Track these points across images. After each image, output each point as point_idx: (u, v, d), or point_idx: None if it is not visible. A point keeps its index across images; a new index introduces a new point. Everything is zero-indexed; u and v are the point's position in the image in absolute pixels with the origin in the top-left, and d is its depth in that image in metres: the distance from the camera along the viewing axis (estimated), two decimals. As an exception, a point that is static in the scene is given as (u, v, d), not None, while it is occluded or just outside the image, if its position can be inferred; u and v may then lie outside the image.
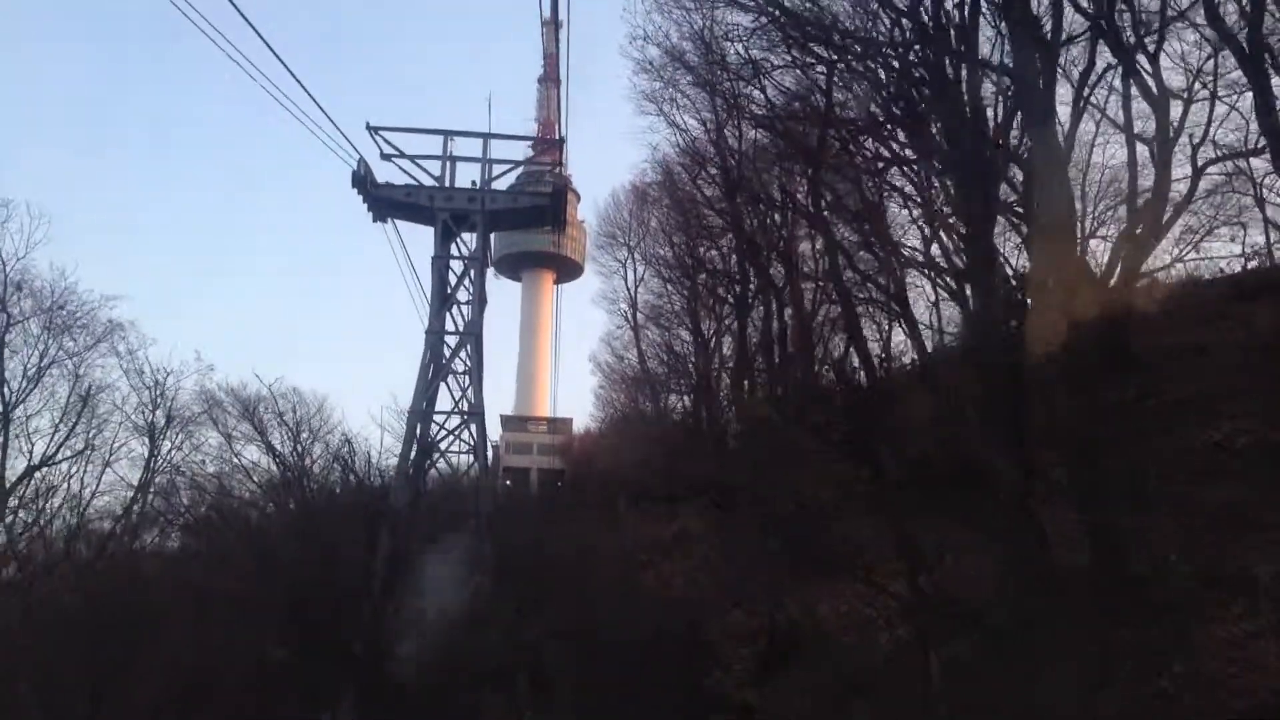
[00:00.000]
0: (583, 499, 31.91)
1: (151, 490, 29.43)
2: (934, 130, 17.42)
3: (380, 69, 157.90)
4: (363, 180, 32.36)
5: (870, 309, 22.64)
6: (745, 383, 31.02)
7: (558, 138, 37.58)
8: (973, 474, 14.39)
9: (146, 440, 29.00)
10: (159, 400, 29.30)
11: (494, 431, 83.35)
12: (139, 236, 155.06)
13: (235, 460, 35.43)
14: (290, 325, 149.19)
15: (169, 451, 30.48)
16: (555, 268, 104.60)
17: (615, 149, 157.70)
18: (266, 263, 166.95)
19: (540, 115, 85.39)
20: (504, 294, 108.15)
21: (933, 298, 24.37)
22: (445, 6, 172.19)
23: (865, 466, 15.51)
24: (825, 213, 21.74)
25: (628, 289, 43.18)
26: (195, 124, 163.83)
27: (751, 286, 30.78)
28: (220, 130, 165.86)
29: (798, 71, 20.65)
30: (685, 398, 42.48)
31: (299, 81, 28.58)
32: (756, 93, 22.62)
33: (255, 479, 36.46)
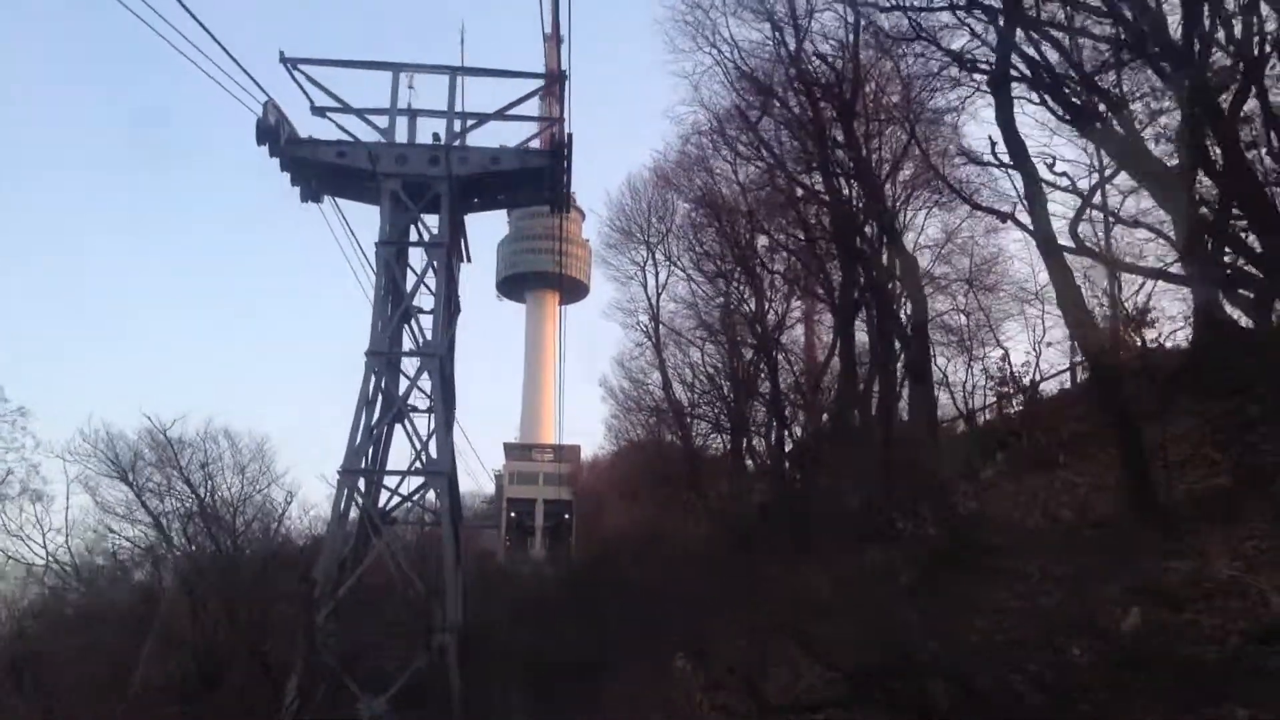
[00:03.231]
0: (610, 632, 20.25)
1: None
2: None
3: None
4: (273, 132, 21.76)
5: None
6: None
7: (558, 71, 27.00)
8: None
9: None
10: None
11: (497, 461, 74.95)
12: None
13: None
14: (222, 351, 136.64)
15: None
16: (559, 288, 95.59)
17: (621, 166, 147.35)
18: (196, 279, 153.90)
19: (542, 135, 76.18)
20: (508, 316, 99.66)
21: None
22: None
23: None
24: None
25: (648, 296, 34.74)
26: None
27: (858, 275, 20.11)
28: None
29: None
30: (726, 435, 32.25)
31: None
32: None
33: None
